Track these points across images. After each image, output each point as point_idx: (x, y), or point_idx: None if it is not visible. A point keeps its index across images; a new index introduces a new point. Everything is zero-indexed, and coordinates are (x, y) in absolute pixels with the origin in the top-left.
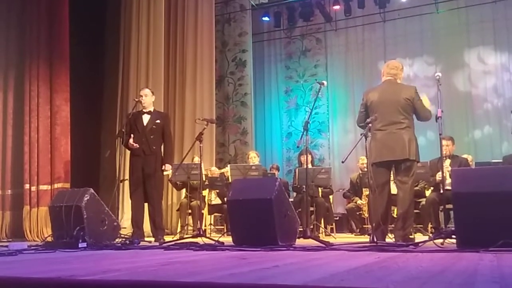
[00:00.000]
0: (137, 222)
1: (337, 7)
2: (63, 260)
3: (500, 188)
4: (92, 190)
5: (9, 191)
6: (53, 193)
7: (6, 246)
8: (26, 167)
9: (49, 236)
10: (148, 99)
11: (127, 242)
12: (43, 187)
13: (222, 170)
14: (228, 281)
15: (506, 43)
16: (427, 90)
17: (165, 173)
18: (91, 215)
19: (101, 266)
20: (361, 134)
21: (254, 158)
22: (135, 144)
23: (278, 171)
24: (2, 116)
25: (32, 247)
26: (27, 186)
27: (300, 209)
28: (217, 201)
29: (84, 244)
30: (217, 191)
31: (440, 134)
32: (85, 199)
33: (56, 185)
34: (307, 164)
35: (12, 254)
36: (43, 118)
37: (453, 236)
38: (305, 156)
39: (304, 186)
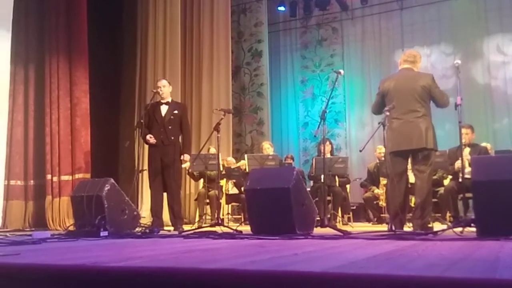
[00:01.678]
0: (156, 211)
1: None
2: (86, 248)
3: None
4: (112, 180)
5: (32, 181)
6: (74, 183)
7: (30, 235)
8: (47, 157)
9: (71, 225)
10: (166, 90)
11: (147, 231)
12: (64, 177)
13: (238, 164)
14: (249, 268)
15: None
16: (445, 81)
17: (183, 165)
18: (112, 205)
19: (123, 253)
20: (378, 123)
21: (268, 149)
22: (151, 140)
23: (293, 161)
24: (23, 108)
25: (55, 236)
26: (49, 176)
27: (317, 198)
28: (234, 190)
29: (105, 233)
30: (234, 181)
31: (459, 122)
32: (106, 189)
33: (77, 176)
34: (324, 153)
35: (36, 242)
36: (64, 110)
37: (472, 225)
38: (324, 145)
39: (321, 176)
